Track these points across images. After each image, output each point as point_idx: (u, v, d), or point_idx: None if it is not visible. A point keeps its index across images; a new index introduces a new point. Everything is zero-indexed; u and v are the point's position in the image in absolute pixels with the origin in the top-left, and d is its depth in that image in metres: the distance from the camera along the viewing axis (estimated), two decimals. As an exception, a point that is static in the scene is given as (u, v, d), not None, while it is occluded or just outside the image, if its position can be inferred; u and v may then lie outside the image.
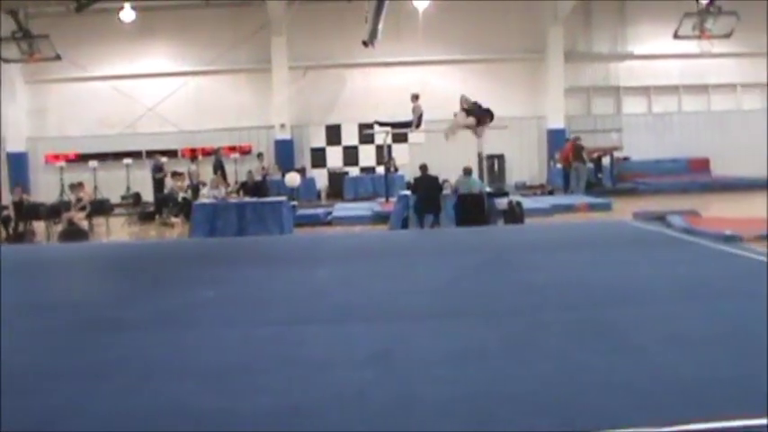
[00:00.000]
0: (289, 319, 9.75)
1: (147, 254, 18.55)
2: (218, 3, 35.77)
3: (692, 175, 36.16)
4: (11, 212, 24.81)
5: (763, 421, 5.54)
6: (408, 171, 32.48)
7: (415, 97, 27.51)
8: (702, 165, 37.47)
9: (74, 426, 6.08)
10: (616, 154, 36.14)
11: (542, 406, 6.13)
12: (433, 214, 21.77)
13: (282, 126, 35.62)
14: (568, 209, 26.73)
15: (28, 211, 25.04)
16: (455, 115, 22.62)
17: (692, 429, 5.51)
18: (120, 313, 10.33)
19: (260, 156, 34.91)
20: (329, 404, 6.34)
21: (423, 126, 27.99)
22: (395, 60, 35.76)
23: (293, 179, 29.21)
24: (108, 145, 35.33)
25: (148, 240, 24.07)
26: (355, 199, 32.86)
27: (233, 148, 35.80)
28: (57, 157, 35.38)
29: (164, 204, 28.54)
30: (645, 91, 38.56)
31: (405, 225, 22.00)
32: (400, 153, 34.98)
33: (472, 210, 21.32)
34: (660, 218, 20.75)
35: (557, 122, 36.80)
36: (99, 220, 26.53)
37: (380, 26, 23.06)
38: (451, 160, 27.56)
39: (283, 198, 24.52)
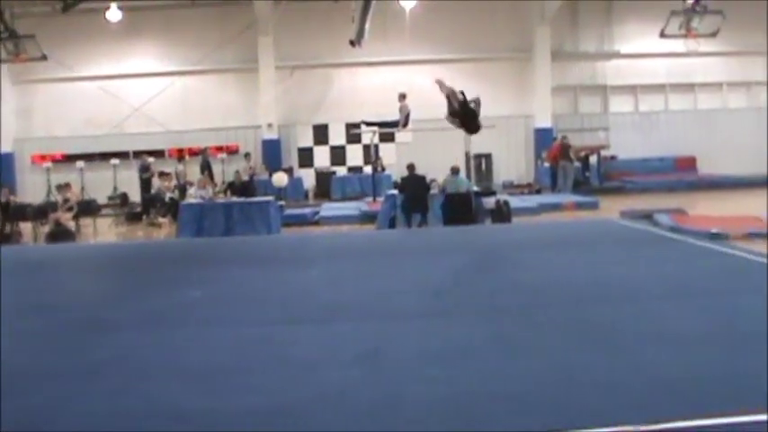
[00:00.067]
0: (276, 319, 9.75)
1: (134, 254, 18.52)
2: (205, 2, 35.75)
3: (679, 174, 36.27)
4: (-3, 214, 24.77)
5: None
6: (396, 170, 32.53)
7: (402, 97, 27.51)
8: (689, 163, 37.59)
9: (63, 426, 6.08)
10: (603, 153, 36.21)
11: (530, 405, 6.14)
12: (420, 214, 21.81)
13: (269, 126, 35.59)
14: (556, 208, 26.78)
15: (15, 212, 24.98)
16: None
17: (691, 426, 5.52)
18: (107, 314, 10.31)
19: (247, 156, 34.89)
20: (317, 404, 6.34)
21: (410, 125, 27.99)
22: (382, 60, 35.76)
23: (280, 179, 29.20)
24: (95, 145, 35.27)
25: (136, 241, 24.05)
26: (343, 199, 32.85)
27: (220, 148, 35.76)
28: (43, 158, 35.31)
29: (151, 205, 28.52)
30: (632, 90, 38.64)
31: (392, 224, 22.03)
32: (387, 152, 35.01)
33: (459, 209, 21.35)
34: (647, 216, 20.81)
35: (544, 121, 36.86)
36: (86, 221, 26.48)
37: (367, 26, 23.04)
38: (439, 159, 27.63)
39: (270, 198, 24.51)
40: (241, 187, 28.64)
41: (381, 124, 29.49)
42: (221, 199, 24.76)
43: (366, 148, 34.76)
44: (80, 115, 35.28)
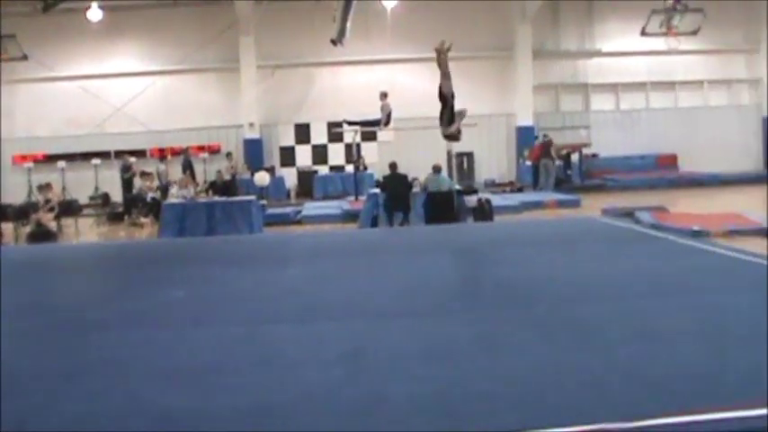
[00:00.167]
0: (259, 318, 9.73)
1: (116, 255, 18.48)
2: (186, 2, 35.70)
3: (660, 172, 36.42)
4: (-22, 214, 24.70)
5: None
6: (377, 169, 32.52)
7: (384, 95, 27.56)
8: (670, 161, 37.77)
9: (46, 426, 6.06)
10: (584, 151, 36.30)
11: (513, 403, 6.15)
12: (402, 212, 21.83)
13: (251, 125, 35.58)
14: (537, 206, 26.84)
15: (-5, 213, 24.94)
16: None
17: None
18: (89, 314, 10.29)
19: (229, 155, 34.85)
20: (301, 403, 6.33)
21: (391, 124, 28.03)
22: (363, 59, 35.81)
23: (262, 178, 29.20)
24: (76, 145, 35.16)
25: (118, 241, 23.99)
26: (325, 197, 32.85)
27: (202, 148, 35.74)
28: (24, 158, 35.17)
29: (133, 204, 28.46)
30: (613, 88, 38.76)
31: (374, 223, 22.04)
32: (369, 151, 34.99)
33: (441, 207, 21.38)
34: (628, 214, 20.87)
35: (525, 120, 36.94)
36: (67, 221, 26.40)
37: (349, 25, 23.10)
38: (421, 158, 27.67)
39: (252, 197, 24.51)
40: (223, 187, 28.66)
41: (363, 123, 29.51)
42: (203, 198, 24.72)
43: (348, 146, 34.73)
44: (61, 115, 35.18)
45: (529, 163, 34.83)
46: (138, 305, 10.84)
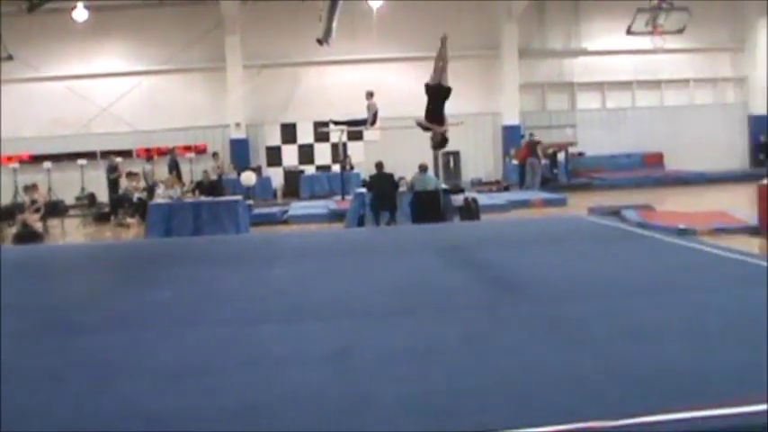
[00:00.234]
0: (246, 318, 9.72)
1: (102, 255, 18.44)
2: (172, 2, 35.64)
3: (646, 170, 36.54)
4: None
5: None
6: (364, 169, 32.56)
7: (370, 95, 27.57)
8: (656, 159, 37.87)
9: (33, 428, 6.05)
10: (571, 149, 36.39)
11: (500, 402, 6.15)
12: (388, 211, 21.83)
13: (237, 125, 35.58)
14: (524, 205, 26.89)
15: (-19, 214, 24.89)
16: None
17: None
18: (76, 315, 10.26)
19: (215, 155, 34.82)
20: (287, 403, 6.33)
21: (378, 123, 28.05)
22: (349, 58, 35.80)
23: (249, 178, 29.20)
24: (62, 146, 35.06)
25: (104, 241, 23.95)
26: (311, 197, 32.86)
27: (188, 148, 35.68)
28: (10, 159, 35.04)
29: (119, 205, 28.44)
30: (599, 87, 38.84)
31: (361, 223, 22.05)
32: (356, 151, 35.10)
33: (428, 207, 21.39)
34: (615, 212, 20.95)
35: (512, 119, 37.00)
36: (54, 222, 26.37)
37: (335, 24, 23.05)
38: (407, 157, 27.67)
39: (239, 197, 24.51)
40: (209, 187, 28.62)
41: (349, 123, 29.53)
42: (189, 199, 24.70)
43: (334, 146, 34.80)
44: (47, 115, 35.08)
45: (515, 162, 34.90)
46: (124, 306, 10.82)
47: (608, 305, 9.52)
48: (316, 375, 7.04)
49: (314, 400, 6.36)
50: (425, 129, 16.05)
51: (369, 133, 33.02)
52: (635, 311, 9.11)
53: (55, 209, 27.48)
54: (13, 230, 23.51)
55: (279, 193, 35.27)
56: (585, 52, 38.33)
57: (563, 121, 38.18)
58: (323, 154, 36.61)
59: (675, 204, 24.16)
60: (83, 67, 35.48)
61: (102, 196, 32.27)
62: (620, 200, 25.02)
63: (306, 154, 36.70)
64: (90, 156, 35.01)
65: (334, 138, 33.49)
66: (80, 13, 34.14)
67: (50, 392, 6.86)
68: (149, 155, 34.65)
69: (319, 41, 23.83)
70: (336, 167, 34.22)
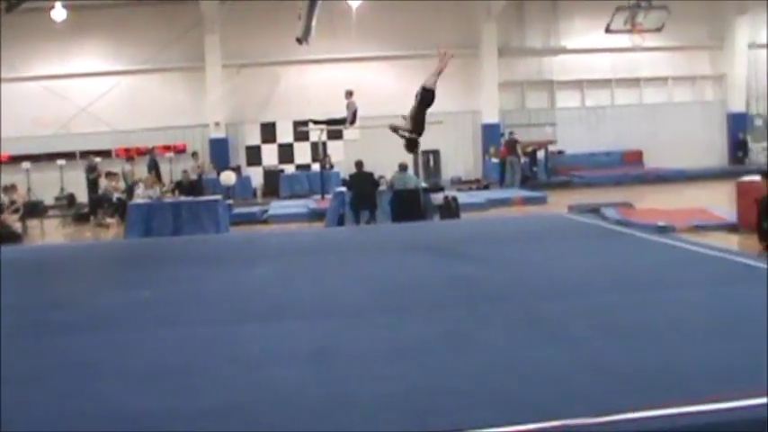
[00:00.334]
0: (226, 318, 9.71)
1: (82, 255, 18.40)
2: (151, 1, 35.52)
3: (626, 168, 36.62)
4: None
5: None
6: (344, 168, 32.56)
7: (350, 94, 27.55)
8: (635, 157, 37.96)
9: (12, 429, 6.02)
10: (550, 148, 36.43)
11: (481, 400, 6.16)
12: (368, 210, 21.83)
13: (217, 124, 35.51)
14: (504, 203, 26.91)
15: (-40, 215, 24.75)
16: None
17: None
18: (56, 316, 10.24)
19: (194, 154, 34.74)
20: (268, 403, 6.33)
21: (357, 122, 28.04)
22: (329, 57, 35.75)
23: (229, 177, 29.16)
24: (41, 146, 34.88)
25: (84, 242, 23.87)
26: (291, 196, 32.79)
27: (167, 148, 35.55)
28: (-12, 159, 34.96)
29: (98, 205, 28.33)
30: (578, 85, 38.90)
31: (341, 222, 22.03)
32: (335, 150, 35.10)
33: (408, 205, 21.38)
34: (594, 210, 21.02)
35: (491, 117, 37.02)
36: (33, 223, 26.23)
37: (314, 23, 23.02)
38: (387, 156, 27.63)
39: (219, 197, 24.45)
40: (189, 186, 28.57)
41: (329, 122, 29.51)
42: (169, 198, 24.65)
43: (314, 145, 34.78)
44: (26, 116, 34.86)
45: (495, 160, 34.97)
46: (104, 306, 10.80)
47: (588, 303, 9.55)
48: (297, 375, 7.04)
49: (295, 400, 6.36)
50: (395, 130, 16.36)
51: (348, 132, 32.97)
52: (615, 309, 9.14)
53: (34, 209, 27.35)
54: (-8, 231, 23.41)
55: (259, 193, 35.23)
56: (565, 50, 38.39)
57: (542, 119, 38.23)
58: (303, 153, 36.59)
59: (655, 202, 24.22)
60: (61, 66, 35.32)
61: (82, 196, 32.16)
62: (599, 198, 25.11)
63: (285, 153, 36.66)
64: (69, 156, 34.85)
65: (314, 137, 33.49)
66: (58, 13, 33.99)
67: (29, 393, 6.83)
68: (129, 155, 34.51)
69: (299, 40, 23.79)
70: (316, 167, 34.20)
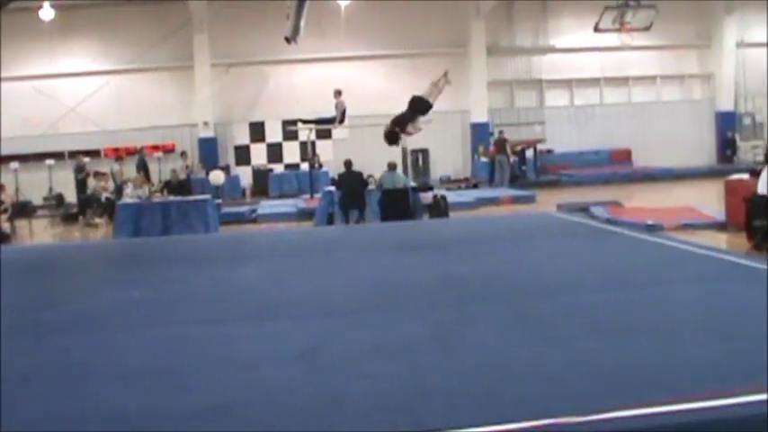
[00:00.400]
0: (216, 317, 9.72)
1: (71, 256, 18.39)
2: (139, 1, 35.44)
3: (614, 167, 36.60)
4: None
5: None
6: (333, 167, 32.52)
7: (338, 93, 27.54)
8: (624, 156, 37.96)
9: (4, 429, 6.01)
10: (539, 146, 36.42)
11: (471, 399, 6.16)
12: (357, 210, 21.83)
13: (206, 124, 35.43)
14: (493, 202, 26.90)
15: (-52, 215, 24.68)
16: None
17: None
18: (45, 316, 10.23)
19: (183, 154, 34.68)
20: (258, 402, 6.33)
21: (346, 121, 28.04)
22: (318, 56, 35.69)
23: (217, 177, 29.14)
24: (29, 146, 34.76)
25: (72, 242, 23.83)
26: (280, 196, 32.74)
27: (156, 147, 35.46)
28: (-23, 160, 34.85)
29: (87, 205, 28.25)
30: (567, 84, 38.88)
31: (330, 221, 22.03)
32: (324, 149, 35.05)
33: (397, 205, 21.38)
34: (583, 209, 21.03)
35: (480, 116, 36.99)
36: (21, 223, 26.16)
37: (303, 22, 23.01)
38: (376, 156, 27.63)
39: (208, 196, 24.42)
40: (178, 186, 28.52)
41: (318, 121, 29.48)
42: (158, 198, 24.61)
43: (303, 144, 34.75)
44: (14, 116, 34.72)
45: (484, 159, 35.00)
46: (93, 306, 10.80)
47: (577, 301, 9.57)
48: (286, 374, 7.05)
49: (285, 399, 6.37)
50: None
51: (337, 132, 32.98)
52: (604, 307, 9.16)
53: (22, 209, 27.31)
54: (-19, 231, 23.35)
55: (248, 192, 35.17)
56: (553, 49, 38.40)
57: (531, 118, 38.24)
58: (291, 152, 36.54)
59: (643, 200, 24.25)
60: (50, 66, 35.23)
61: (71, 196, 32.08)
62: (588, 196, 25.13)
63: (274, 153, 36.61)
64: (58, 156, 34.73)
65: (303, 136, 33.47)
66: (47, 13, 33.92)
67: (21, 393, 6.82)
68: (117, 155, 34.41)
69: (287, 40, 23.78)
70: (305, 166, 34.15)
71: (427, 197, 22.74)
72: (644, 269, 11.80)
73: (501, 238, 16.57)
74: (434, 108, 20.71)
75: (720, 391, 5.80)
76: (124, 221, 22.36)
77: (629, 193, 27.53)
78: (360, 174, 22.54)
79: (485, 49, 36.92)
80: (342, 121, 27.77)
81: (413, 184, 23.83)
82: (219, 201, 26.12)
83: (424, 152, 35.93)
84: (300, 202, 27.79)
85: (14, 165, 33.85)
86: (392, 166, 22.60)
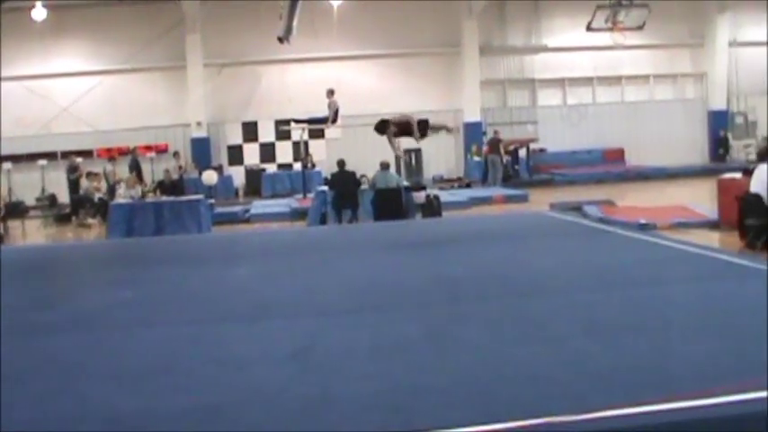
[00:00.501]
0: (208, 317, 9.71)
1: (64, 256, 18.38)
2: (132, 1, 35.40)
3: (607, 166, 36.62)
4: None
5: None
6: (326, 167, 32.54)
7: (331, 93, 27.55)
8: (617, 155, 37.98)
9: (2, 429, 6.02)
10: (532, 146, 36.44)
11: (463, 398, 6.16)
12: (350, 209, 21.81)
13: (199, 124, 35.41)
14: (485, 201, 26.88)
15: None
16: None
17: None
18: (38, 316, 10.21)
19: (176, 154, 34.67)
20: (251, 402, 6.32)
21: (339, 121, 28.05)
22: (310, 56, 35.70)
23: (210, 177, 29.09)
24: (22, 146, 34.69)
25: (65, 242, 23.80)
26: (273, 196, 32.74)
27: (149, 147, 35.43)
28: (-31, 160, 34.78)
29: (80, 205, 28.22)
30: (559, 83, 38.95)
31: (323, 221, 22.02)
32: (317, 149, 35.07)
33: (390, 204, 21.36)
34: (576, 208, 21.05)
35: (473, 115, 37.00)
36: (14, 223, 26.14)
37: (295, 22, 23.03)
38: (369, 155, 27.65)
39: (201, 196, 24.37)
40: (171, 186, 28.47)
41: (310, 121, 29.48)
42: (151, 198, 24.58)
43: (296, 144, 34.74)
44: (7, 116, 34.63)
45: (477, 158, 35.03)
46: (86, 307, 10.79)
47: (570, 300, 9.57)
48: (279, 374, 7.04)
49: (278, 399, 6.36)
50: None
51: (330, 131, 32.99)
52: (597, 306, 9.16)
53: (15, 210, 27.30)
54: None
55: (240, 192, 35.19)
56: (546, 49, 38.44)
57: (524, 117, 38.29)
58: (284, 152, 36.53)
59: (636, 199, 24.27)
60: (43, 66, 35.19)
61: (63, 197, 32.04)
62: (581, 195, 25.14)
63: (267, 152, 36.60)
64: (50, 156, 34.68)
65: (296, 136, 33.45)
66: (39, 13, 33.90)
67: (13, 395, 6.79)
68: (110, 155, 34.36)
69: (280, 39, 23.80)
70: (298, 166, 34.12)
71: (420, 197, 22.72)
72: (637, 268, 11.81)
73: (494, 237, 16.57)
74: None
75: (717, 389, 5.81)
76: (117, 222, 22.32)
77: (622, 192, 27.57)
78: (353, 173, 22.53)
79: (477, 48, 36.97)
80: (335, 120, 27.78)
81: (406, 183, 23.81)
82: (212, 201, 26.09)
83: (417, 152, 35.88)
84: (293, 202, 27.77)
85: (7, 165, 33.78)
86: (385, 166, 22.58)
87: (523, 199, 27.24)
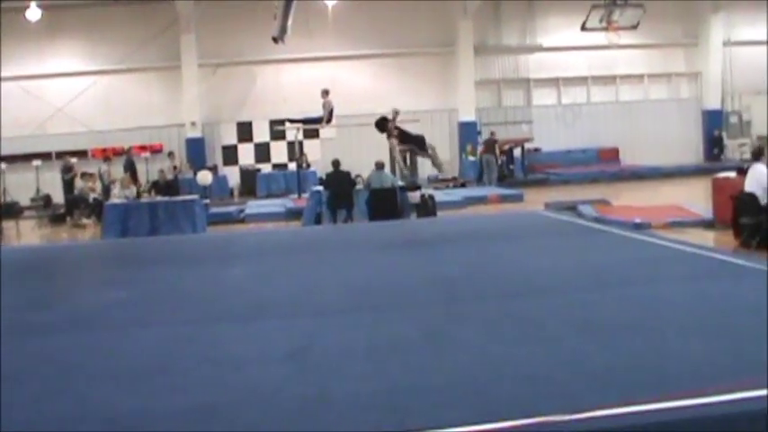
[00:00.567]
0: (204, 317, 9.72)
1: (59, 256, 18.36)
2: (126, 1, 35.35)
3: (602, 165, 36.61)
4: None
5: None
6: (320, 167, 32.47)
7: (326, 93, 27.55)
8: (612, 154, 37.97)
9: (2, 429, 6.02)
10: (527, 145, 36.41)
11: (459, 398, 6.17)
12: (345, 209, 21.80)
13: (193, 124, 35.35)
14: (480, 201, 26.87)
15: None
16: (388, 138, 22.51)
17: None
18: (33, 317, 10.21)
19: (171, 154, 34.57)
20: (247, 402, 6.33)
21: (333, 121, 28.04)
22: (305, 56, 35.65)
23: (205, 177, 29.08)
24: (17, 146, 34.59)
25: (60, 243, 23.78)
26: (268, 196, 32.70)
27: (144, 148, 35.38)
28: (-36, 161, 34.71)
29: (74, 206, 28.18)
30: (554, 82, 38.91)
31: (318, 221, 22.01)
32: (312, 149, 34.95)
33: (385, 204, 21.36)
34: (571, 207, 21.04)
35: (468, 115, 36.97)
36: (8, 224, 26.10)
37: (290, 22, 23.07)
38: (364, 155, 27.66)
39: (196, 196, 24.36)
40: (165, 186, 28.45)
41: (305, 121, 29.47)
42: (146, 198, 24.57)
43: (291, 144, 34.71)
44: (2, 116, 34.71)
45: (472, 158, 35.03)
46: (81, 307, 10.78)
47: (565, 300, 9.58)
48: (275, 373, 7.04)
49: (274, 399, 6.37)
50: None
51: (325, 131, 32.99)
52: (592, 306, 9.17)
53: (10, 210, 27.24)
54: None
55: (235, 192, 35.12)
56: (541, 48, 38.42)
57: (519, 116, 38.27)
58: (279, 152, 36.47)
59: (631, 199, 24.26)
60: (37, 66, 35.11)
61: (58, 197, 31.98)
62: (576, 195, 25.15)
63: (262, 152, 36.55)
64: (45, 156, 34.58)
65: (291, 136, 33.46)
66: (33, 13, 33.84)
67: (11, 395, 6.79)
68: (105, 155, 34.28)
69: (275, 39, 23.85)
70: (293, 166, 34.12)
71: (415, 196, 22.70)
72: (632, 267, 11.82)
73: (489, 236, 16.57)
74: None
75: (713, 388, 5.82)
76: (112, 222, 22.30)
77: (617, 191, 27.56)
78: (347, 173, 22.52)
79: (472, 48, 36.93)
80: (329, 120, 27.79)
81: (400, 183, 23.79)
82: (207, 201, 26.08)
83: (412, 151, 35.91)
84: (288, 202, 27.74)
85: (1, 165, 33.68)
86: (380, 166, 22.58)
87: (518, 199, 27.23)
